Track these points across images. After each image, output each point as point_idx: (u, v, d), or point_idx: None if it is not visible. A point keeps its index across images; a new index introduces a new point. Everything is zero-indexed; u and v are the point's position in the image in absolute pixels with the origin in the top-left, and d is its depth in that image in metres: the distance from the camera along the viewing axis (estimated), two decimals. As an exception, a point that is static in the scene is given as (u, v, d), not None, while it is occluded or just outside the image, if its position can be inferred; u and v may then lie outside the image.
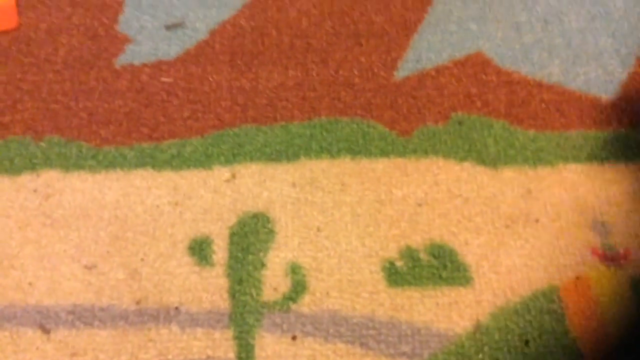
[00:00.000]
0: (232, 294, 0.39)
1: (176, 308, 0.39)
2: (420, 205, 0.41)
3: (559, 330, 0.37)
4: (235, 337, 0.38)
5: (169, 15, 0.51)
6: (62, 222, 0.42)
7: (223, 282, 0.39)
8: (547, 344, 0.36)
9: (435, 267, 0.39)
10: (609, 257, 0.39)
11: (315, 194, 0.42)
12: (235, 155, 0.44)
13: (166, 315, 0.38)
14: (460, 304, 0.38)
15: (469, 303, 0.38)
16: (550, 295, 0.38)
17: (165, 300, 0.39)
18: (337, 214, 0.41)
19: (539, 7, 0.51)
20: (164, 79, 0.47)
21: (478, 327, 0.37)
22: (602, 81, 0.46)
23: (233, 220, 0.41)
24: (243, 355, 0.37)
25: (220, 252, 0.40)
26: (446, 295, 0.38)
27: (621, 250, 0.39)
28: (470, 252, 0.39)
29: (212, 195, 0.42)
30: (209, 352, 0.37)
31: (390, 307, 0.38)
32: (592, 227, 0.40)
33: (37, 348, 0.38)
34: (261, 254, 0.40)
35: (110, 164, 0.44)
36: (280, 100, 0.46)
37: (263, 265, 0.40)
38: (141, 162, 0.44)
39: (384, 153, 0.44)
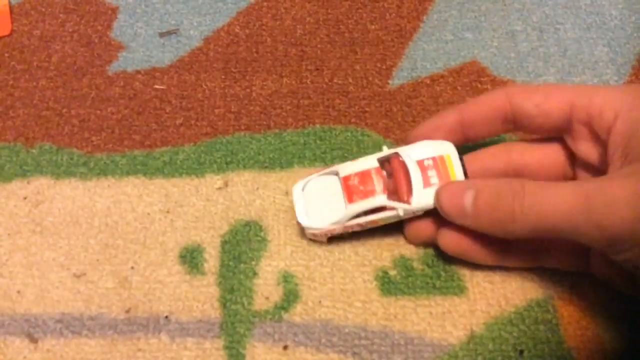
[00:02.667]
0: (223, 303, 0.38)
1: (166, 317, 0.38)
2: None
3: (554, 340, 0.36)
4: (226, 347, 0.37)
5: (163, 23, 0.51)
6: (52, 229, 0.41)
7: (214, 291, 0.39)
8: (541, 354, 0.36)
9: (429, 276, 0.39)
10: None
11: (308, 202, 0.42)
12: (228, 163, 0.44)
13: (156, 324, 0.38)
14: (454, 313, 0.37)
15: (462, 313, 0.37)
16: (545, 305, 0.37)
17: (155, 309, 0.38)
18: (330, 222, 0.41)
19: (534, 16, 0.51)
20: (157, 86, 0.47)
21: (472, 337, 0.37)
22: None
23: (225, 228, 0.41)
24: (233, 365, 0.37)
25: (211, 260, 0.40)
26: (440, 304, 0.38)
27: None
28: (464, 261, 0.38)
29: (204, 203, 0.42)
30: (199, 362, 0.37)
31: (384, 317, 0.38)
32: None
33: (25, 357, 0.37)
34: (253, 263, 0.40)
35: (102, 172, 0.43)
36: (274, 108, 0.46)
37: (255, 274, 0.39)
38: (133, 169, 0.44)
39: (378, 161, 0.43)
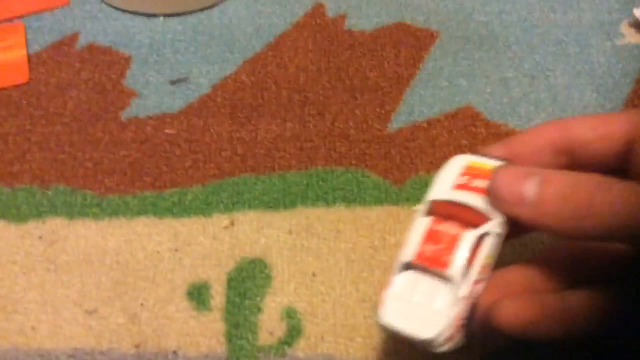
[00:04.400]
0: (229, 338, 0.40)
1: (174, 352, 0.39)
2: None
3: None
4: (232, 381, 0.38)
5: (174, 71, 0.53)
6: (66, 267, 0.43)
7: (220, 327, 0.40)
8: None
9: (428, 311, 0.40)
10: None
11: (311, 241, 0.43)
12: (234, 203, 0.46)
13: (164, 359, 0.39)
14: (456, 353, 0.38)
15: (463, 350, 0.38)
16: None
17: (163, 345, 0.40)
18: (332, 259, 0.43)
19: (526, 64, 0.53)
20: (167, 131, 0.50)
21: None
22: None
23: (231, 265, 0.43)
24: (239, 399, 0.38)
25: (218, 297, 0.41)
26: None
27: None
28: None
29: (210, 241, 0.44)
30: (206, 396, 0.38)
31: (383, 352, 0.39)
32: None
33: (37, 392, 0.38)
34: (258, 299, 0.41)
35: (114, 212, 0.45)
36: (278, 150, 0.48)
37: (259, 309, 0.41)
38: (143, 209, 0.45)
39: (378, 201, 0.45)
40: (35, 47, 0.55)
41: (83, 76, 0.53)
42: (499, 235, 0.30)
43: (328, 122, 0.50)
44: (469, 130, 0.49)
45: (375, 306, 0.40)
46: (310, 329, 0.40)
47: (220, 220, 0.45)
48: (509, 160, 0.31)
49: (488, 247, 0.30)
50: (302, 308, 0.41)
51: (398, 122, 0.50)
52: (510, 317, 0.28)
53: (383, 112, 0.50)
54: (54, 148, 0.49)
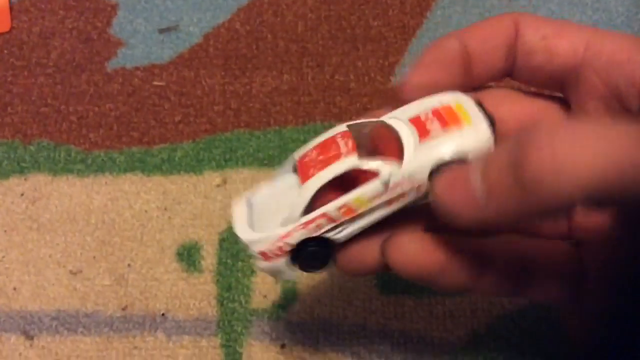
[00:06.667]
0: (221, 301, 0.38)
1: (163, 315, 0.38)
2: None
3: (557, 340, 0.35)
4: (223, 345, 0.37)
5: (163, 19, 0.50)
6: (49, 226, 0.41)
7: (211, 289, 0.38)
8: (544, 354, 0.35)
9: (430, 275, 0.38)
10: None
11: (308, 200, 0.41)
12: (226, 161, 0.43)
13: (152, 322, 0.38)
14: (455, 313, 0.37)
15: (463, 312, 0.37)
16: (547, 304, 0.37)
17: (151, 307, 0.38)
18: (330, 220, 0.40)
19: (540, 12, 0.50)
20: (156, 83, 0.47)
21: (473, 337, 0.36)
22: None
23: (223, 226, 0.41)
24: (230, 364, 0.36)
25: (209, 258, 0.39)
26: (441, 303, 0.37)
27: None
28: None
29: (202, 200, 0.42)
30: (195, 361, 0.36)
31: (383, 316, 0.37)
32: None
33: (20, 354, 0.37)
34: (251, 261, 0.39)
35: (99, 168, 0.43)
36: (274, 105, 0.46)
37: (253, 272, 0.39)
38: (130, 166, 0.43)
39: (379, 158, 0.43)
40: (18, -6, 0.52)
41: (67, 24, 0.50)
42: (384, 191, 0.25)
43: (327, 75, 0.47)
44: (477, 83, 0.46)
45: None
46: (305, 292, 0.38)
47: (211, 178, 0.43)
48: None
49: (365, 190, 0.25)
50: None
51: (402, 74, 0.47)
52: (404, 261, 0.25)
53: (386, 64, 0.48)
54: (36, 100, 0.46)
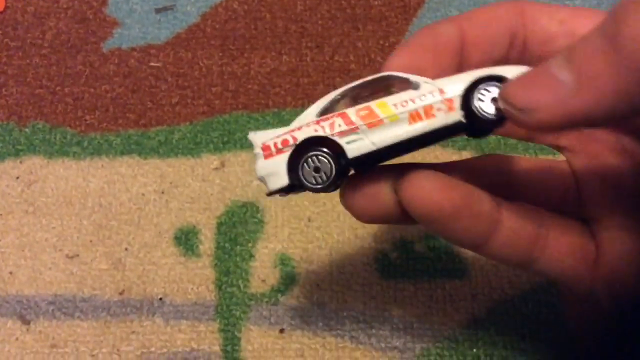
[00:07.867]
0: (219, 286, 0.38)
1: (160, 299, 0.37)
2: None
3: (558, 324, 0.35)
4: (221, 330, 0.36)
5: (159, -1, 0.49)
6: (45, 209, 0.40)
7: (209, 274, 0.38)
8: (544, 339, 0.35)
9: (430, 259, 0.38)
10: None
11: (307, 183, 0.41)
12: (224, 143, 0.43)
13: (150, 306, 0.37)
14: (455, 297, 0.36)
15: (464, 296, 0.36)
16: (549, 288, 0.36)
17: (149, 291, 0.38)
18: (329, 203, 0.40)
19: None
20: (152, 64, 0.46)
21: (473, 321, 0.36)
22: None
23: (221, 209, 0.40)
24: (229, 348, 0.36)
25: (207, 242, 0.39)
26: (441, 288, 0.37)
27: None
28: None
29: (199, 183, 0.41)
30: (194, 345, 0.36)
31: (383, 300, 0.37)
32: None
33: (17, 339, 0.37)
34: (249, 245, 0.39)
35: (95, 151, 0.42)
36: (272, 86, 0.45)
37: (251, 256, 0.38)
38: (127, 149, 0.42)
39: (379, 141, 0.42)
40: (12, -27, 0.51)
41: (62, 4, 0.49)
42: (413, 89, 0.24)
43: (327, 56, 0.46)
44: (479, 65, 0.45)
45: (375, 252, 0.38)
46: (305, 277, 0.38)
47: (209, 161, 0.42)
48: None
49: (391, 97, 0.24)
50: (296, 255, 0.38)
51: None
52: (417, 187, 0.23)
53: (387, 44, 0.47)
54: (31, 82, 0.45)
